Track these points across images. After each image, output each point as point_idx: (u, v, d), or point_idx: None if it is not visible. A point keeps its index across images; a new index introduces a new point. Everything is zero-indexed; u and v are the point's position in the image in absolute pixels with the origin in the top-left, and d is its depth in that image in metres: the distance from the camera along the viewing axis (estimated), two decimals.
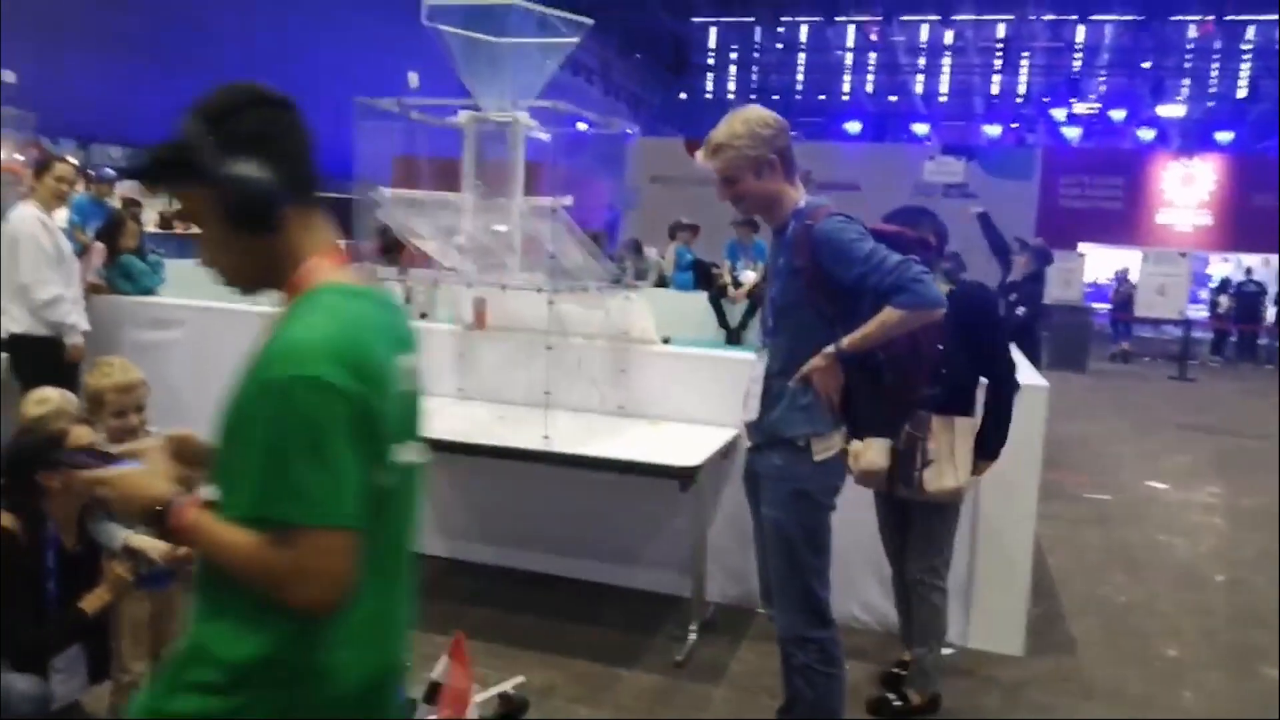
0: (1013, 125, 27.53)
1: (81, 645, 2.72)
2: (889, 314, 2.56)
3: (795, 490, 2.66)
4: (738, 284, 9.95)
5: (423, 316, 5.73)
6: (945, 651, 3.83)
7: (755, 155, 2.66)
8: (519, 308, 4.32)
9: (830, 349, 2.62)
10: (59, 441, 2.56)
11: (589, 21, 4.88)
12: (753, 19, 35.90)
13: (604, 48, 36.62)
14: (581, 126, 4.66)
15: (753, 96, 40.22)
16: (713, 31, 41.48)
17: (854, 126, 31.59)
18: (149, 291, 5.57)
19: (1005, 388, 3.25)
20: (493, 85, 4.39)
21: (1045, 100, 27.23)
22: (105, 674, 2.81)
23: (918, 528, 3.32)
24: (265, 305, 1.55)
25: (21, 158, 12.01)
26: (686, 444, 3.78)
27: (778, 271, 2.75)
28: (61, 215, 5.47)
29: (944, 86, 35.61)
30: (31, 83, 18.04)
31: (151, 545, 2.76)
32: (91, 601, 2.62)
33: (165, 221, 13.04)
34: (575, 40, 4.64)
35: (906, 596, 3.42)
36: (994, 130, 26.92)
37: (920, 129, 30.37)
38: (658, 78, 41.26)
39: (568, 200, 5.69)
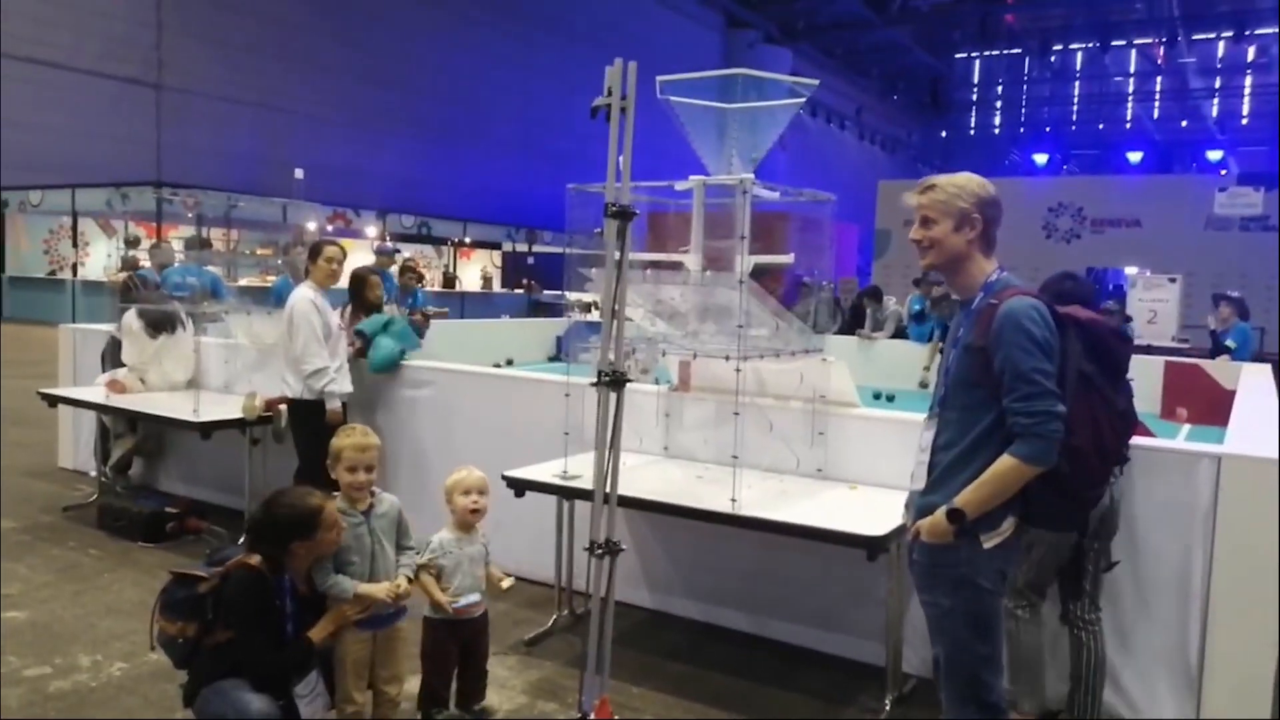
0: None
1: (321, 675, 3.14)
2: (1008, 466, 2.51)
3: (958, 576, 2.59)
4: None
5: (644, 373, 6.01)
6: None
7: (962, 207, 2.65)
8: (720, 371, 4.46)
9: (942, 511, 2.57)
10: (318, 515, 2.99)
11: (814, 83, 5.04)
12: (1019, 50, 34.34)
13: (859, 92, 36.42)
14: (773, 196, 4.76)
15: (1021, 129, 38.35)
16: (976, 66, 39.99)
17: (1136, 156, 29.29)
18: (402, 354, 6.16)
19: None
20: (722, 149, 4.66)
21: None
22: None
23: None
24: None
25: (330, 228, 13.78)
26: (880, 509, 3.73)
27: (955, 342, 2.71)
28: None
29: (1244, 108, 32.34)
30: (333, 160, 20.65)
31: (379, 589, 3.15)
32: (318, 631, 3.03)
33: (447, 280, 14.32)
34: (801, 101, 4.81)
35: None
36: None
37: (1214, 155, 27.65)
38: (915, 118, 40.36)
39: (789, 259, 5.81)
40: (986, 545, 2.58)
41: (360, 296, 6.18)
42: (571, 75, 23.39)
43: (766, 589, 4.53)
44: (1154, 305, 14.48)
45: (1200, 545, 3.58)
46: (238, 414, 5.62)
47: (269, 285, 9.50)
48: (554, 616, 4.62)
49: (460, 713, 3.61)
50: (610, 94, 3.04)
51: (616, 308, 2.64)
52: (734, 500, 3.76)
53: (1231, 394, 6.17)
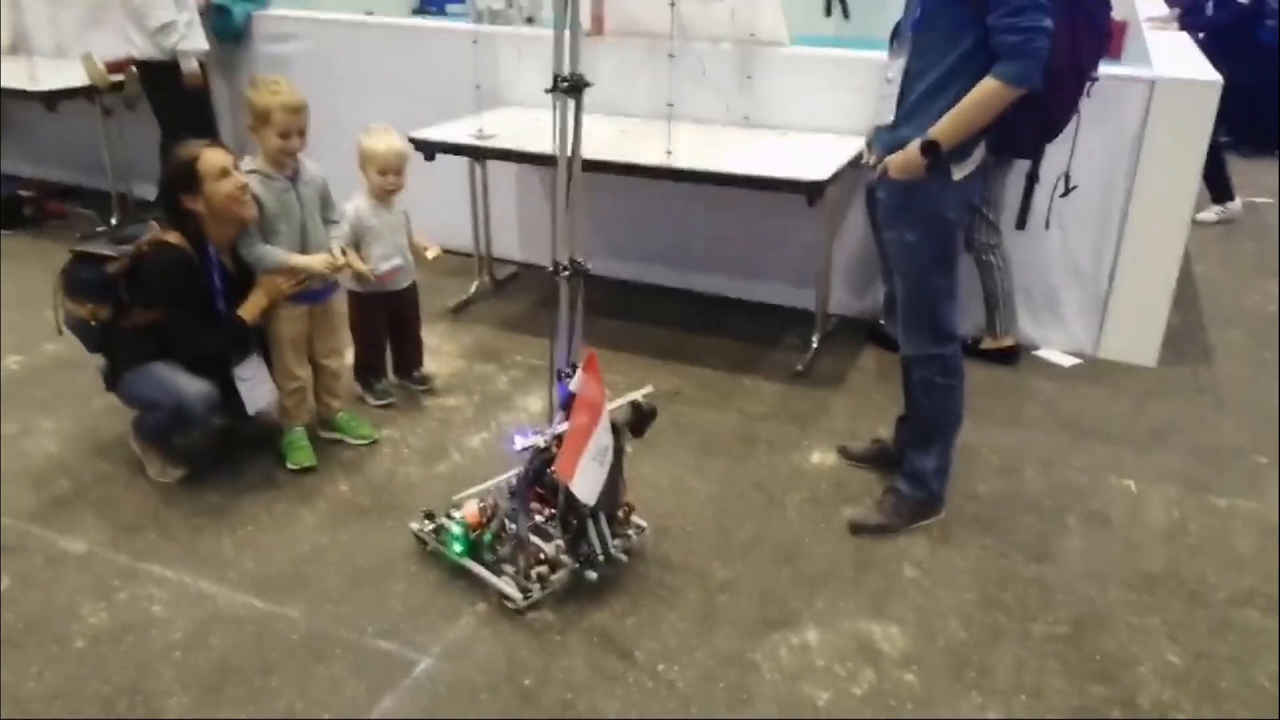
0: None
1: (261, 358, 2.98)
2: (989, 89, 2.34)
3: (926, 210, 2.54)
4: None
5: (529, 21, 5.51)
6: (1073, 361, 3.85)
7: None
8: (640, 10, 4.09)
9: (915, 145, 2.42)
10: (193, 164, 2.66)
11: None
12: None
13: None
14: None
15: None
16: None
17: None
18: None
19: None
20: None
21: None
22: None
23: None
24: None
25: None
26: (815, 155, 3.64)
27: None
28: None
29: None
30: None
31: (315, 261, 2.92)
32: (249, 308, 2.83)
33: None
34: None
35: None
36: None
37: None
38: None
39: None
40: (957, 177, 2.52)
41: None
42: None
43: (693, 243, 4.50)
44: None
45: (1122, 171, 3.67)
46: (83, 81, 4.95)
47: None
48: (474, 284, 4.51)
49: (399, 379, 3.57)
50: None
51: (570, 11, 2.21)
52: (669, 152, 3.60)
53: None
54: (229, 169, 2.71)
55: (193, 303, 2.76)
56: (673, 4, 3.59)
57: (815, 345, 3.89)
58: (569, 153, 2.32)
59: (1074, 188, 2.94)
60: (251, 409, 2.96)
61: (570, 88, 2.25)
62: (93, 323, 2.86)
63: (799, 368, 3.77)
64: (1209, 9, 6.52)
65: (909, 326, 2.71)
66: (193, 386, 2.79)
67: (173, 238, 2.71)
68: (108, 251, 2.79)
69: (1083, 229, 3.78)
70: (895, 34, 2.62)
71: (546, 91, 2.27)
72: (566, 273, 2.41)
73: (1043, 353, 3.94)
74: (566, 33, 2.20)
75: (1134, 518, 2.87)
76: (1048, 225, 3.26)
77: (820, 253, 3.99)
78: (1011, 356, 3.85)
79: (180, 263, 2.70)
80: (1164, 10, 5.79)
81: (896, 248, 2.65)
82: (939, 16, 2.44)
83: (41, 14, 5.73)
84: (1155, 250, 3.72)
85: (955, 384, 2.74)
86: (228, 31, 5.21)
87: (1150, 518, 2.87)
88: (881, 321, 3.77)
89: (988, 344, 3.85)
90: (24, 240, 5.14)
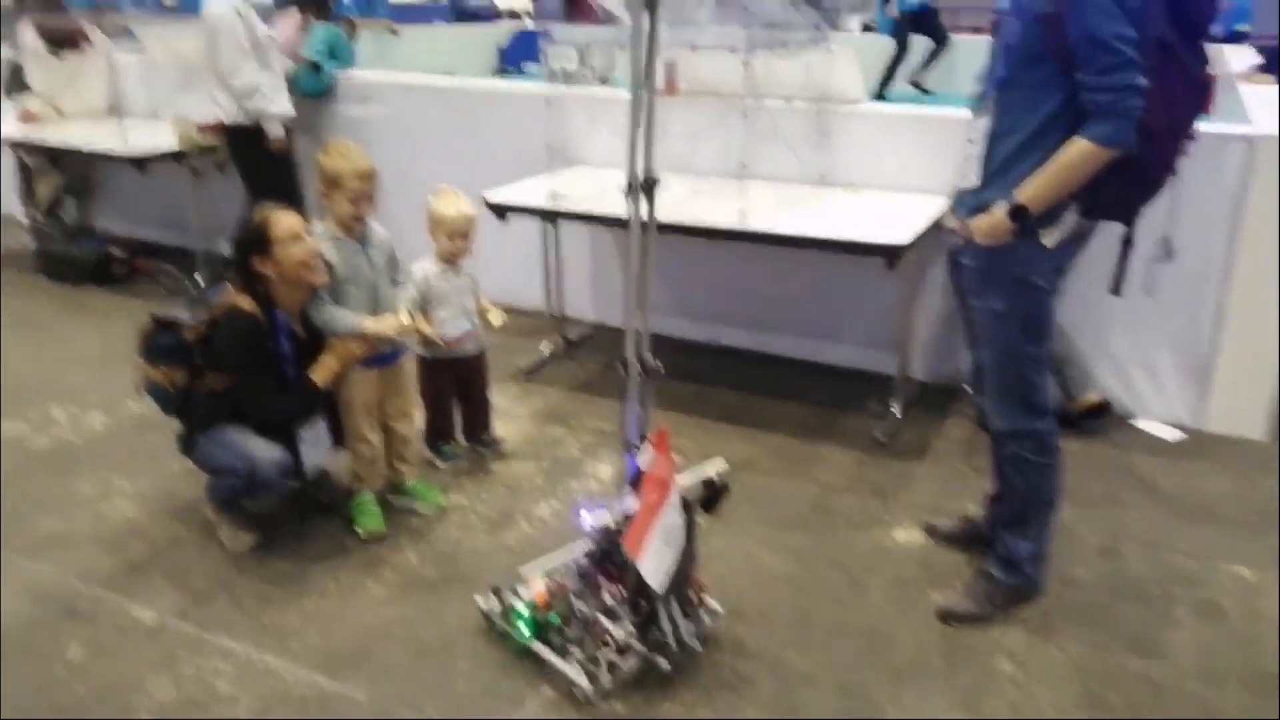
0: None
1: (325, 419, 2.98)
2: (1080, 150, 2.22)
3: (1015, 276, 2.41)
4: (909, 9, 9.05)
5: (603, 82, 5.54)
6: (1175, 433, 3.64)
7: None
8: (711, 69, 4.06)
9: (1002, 208, 2.31)
10: (264, 228, 2.67)
11: None
12: None
13: None
14: None
15: None
16: None
17: None
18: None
19: None
20: None
21: None
22: (343, 443, 3.06)
23: None
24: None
25: None
26: (894, 216, 3.53)
27: (1018, 9, 2.36)
28: None
29: None
30: None
31: (388, 324, 2.91)
32: (321, 372, 2.82)
33: None
34: None
35: None
36: None
37: None
38: None
39: None
40: (1047, 242, 2.39)
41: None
42: None
43: (766, 304, 4.40)
44: None
45: (1223, 231, 3.48)
46: (173, 143, 5.10)
47: None
48: (546, 345, 4.48)
49: (468, 443, 3.52)
50: None
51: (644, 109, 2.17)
52: (743, 212, 3.52)
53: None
54: (300, 234, 2.72)
55: (263, 368, 2.76)
56: (746, 64, 3.53)
57: (897, 413, 3.75)
58: (639, 255, 2.27)
59: (1174, 252, 2.78)
60: (309, 467, 2.94)
61: (644, 188, 2.21)
62: (169, 387, 2.88)
63: (879, 436, 3.63)
64: None
65: (999, 400, 2.57)
66: (265, 452, 2.78)
67: (243, 302, 2.72)
68: (183, 317, 2.81)
69: (1180, 292, 3.58)
70: (982, 91, 2.52)
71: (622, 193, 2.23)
72: (638, 373, 2.34)
73: (1141, 423, 3.73)
74: (640, 135, 2.15)
75: (1250, 609, 2.65)
76: (1150, 292, 3.06)
77: (900, 315, 3.86)
78: (1102, 413, 3.65)
79: (250, 328, 2.71)
80: (1252, 59, 5.58)
81: (984, 316, 2.52)
82: (1025, 74, 2.33)
83: (137, 78, 5.96)
84: (1260, 315, 3.51)
85: (1050, 462, 2.58)
86: (317, 90, 5.33)
87: (1268, 609, 2.64)
88: (969, 390, 3.61)
89: (1073, 408, 3.65)
90: (114, 298, 5.29)
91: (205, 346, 2.80)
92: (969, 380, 2.86)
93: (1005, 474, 2.64)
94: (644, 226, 2.26)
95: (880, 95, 8.88)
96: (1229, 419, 3.65)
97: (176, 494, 3.24)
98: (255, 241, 2.71)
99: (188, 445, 2.95)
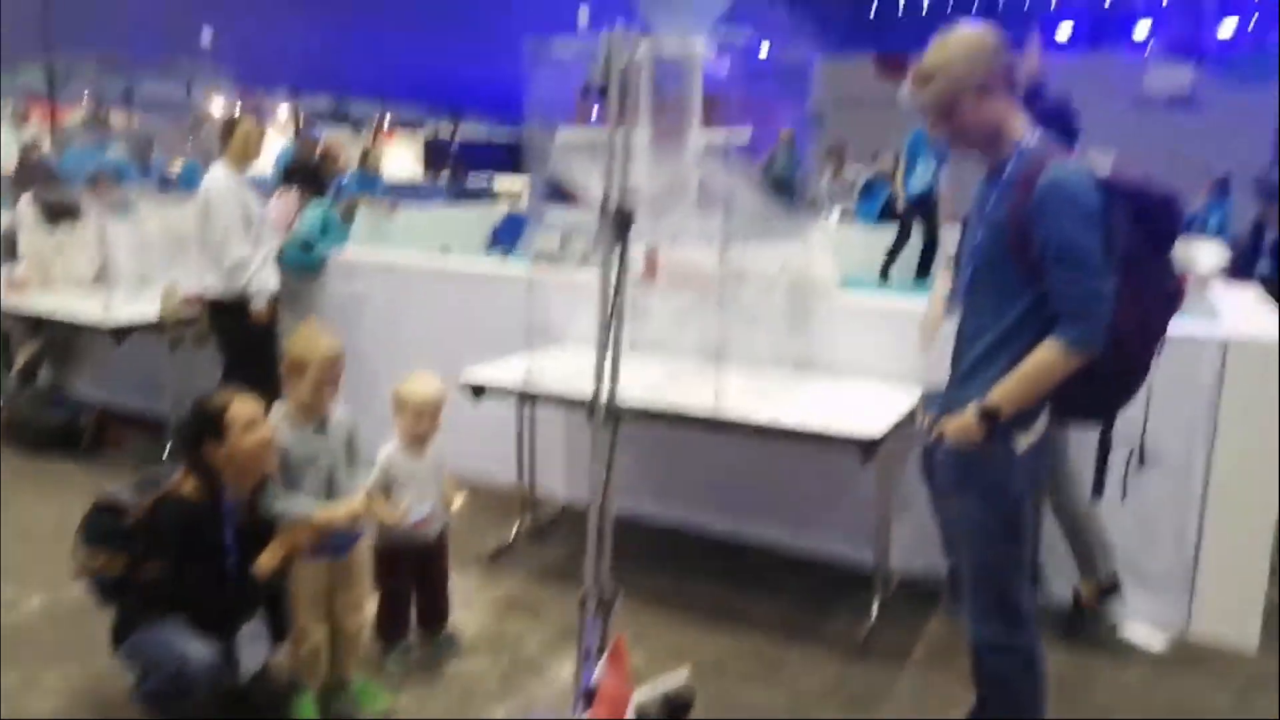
0: (1249, 26, 24.22)
1: (267, 611, 2.81)
2: (1050, 354, 2.23)
3: (988, 481, 2.34)
4: (913, 201, 9.32)
5: (584, 260, 5.62)
6: (1162, 642, 3.49)
7: (973, 80, 2.30)
8: (691, 256, 4.12)
9: (973, 410, 2.29)
10: (222, 414, 2.60)
11: None
12: None
13: None
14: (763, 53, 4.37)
15: (950, 7, 37.68)
16: None
17: (1065, 30, 28.77)
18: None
19: None
20: (671, 13, 4.17)
21: None
22: (283, 639, 2.88)
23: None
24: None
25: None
26: (870, 406, 3.49)
27: (984, 217, 2.38)
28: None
29: None
30: (244, 34, 19.13)
31: (341, 511, 2.79)
32: (263, 563, 2.67)
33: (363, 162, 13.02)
34: None
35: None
36: (1228, 27, 23.80)
37: (1141, 29, 27.29)
38: None
39: (746, 133, 5.39)
40: (1021, 446, 2.33)
41: (318, 176, 5.66)
42: None
43: (743, 490, 4.31)
44: None
45: (1201, 433, 3.44)
46: (155, 313, 5.11)
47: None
48: (516, 526, 4.34)
49: (422, 635, 3.33)
50: (607, 69, 2.33)
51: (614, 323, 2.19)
52: (716, 398, 3.48)
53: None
54: (257, 422, 2.64)
55: (202, 558, 2.62)
56: (722, 255, 3.58)
57: (874, 613, 3.58)
58: (601, 489, 2.22)
59: (1148, 460, 2.72)
60: (245, 668, 2.74)
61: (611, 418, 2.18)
62: (106, 574, 2.73)
63: (858, 638, 3.45)
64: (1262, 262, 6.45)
65: (978, 610, 2.44)
66: (197, 651, 2.59)
67: (188, 486, 2.61)
68: (127, 500, 2.70)
69: (1162, 495, 3.49)
70: (952, 289, 2.52)
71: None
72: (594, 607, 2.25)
73: (1129, 633, 3.55)
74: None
75: None
76: (1124, 495, 2.97)
77: (878, 505, 3.75)
78: (1113, 591, 3.50)
79: (191, 515, 2.59)
80: (1222, 256, 5.71)
81: (959, 520, 2.44)
82: (992, 276, 2.34)
83: (127, 248, 6.04)
84: (1244, 519, 3.42)
85: (1033, 677, 2.43)
86: (306, 266, 5.38)
87: None
88: (947, 596, 3.46)
89: (1090, 594, 3.50)
90: (77, 467, 5.16)
91: (145, 531, 2.67)
92: (947, 587, 2.74)
93: (986, 691, 2.49)
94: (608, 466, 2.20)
95: (883, 279, 9.07)
96: (1217, 629, 3.49)
97: (104, 691, 3.01)
98: (209, 426, 2.63)
99: (119, 638, 2.77)
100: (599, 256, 4.80)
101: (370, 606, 3.17)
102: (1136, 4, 29.54)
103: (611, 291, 2.16)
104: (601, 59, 2.40)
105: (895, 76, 18.10)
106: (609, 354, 2.13)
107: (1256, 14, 23.54)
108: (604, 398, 2.15)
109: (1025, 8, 34.40)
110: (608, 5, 4.25)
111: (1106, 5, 30.12)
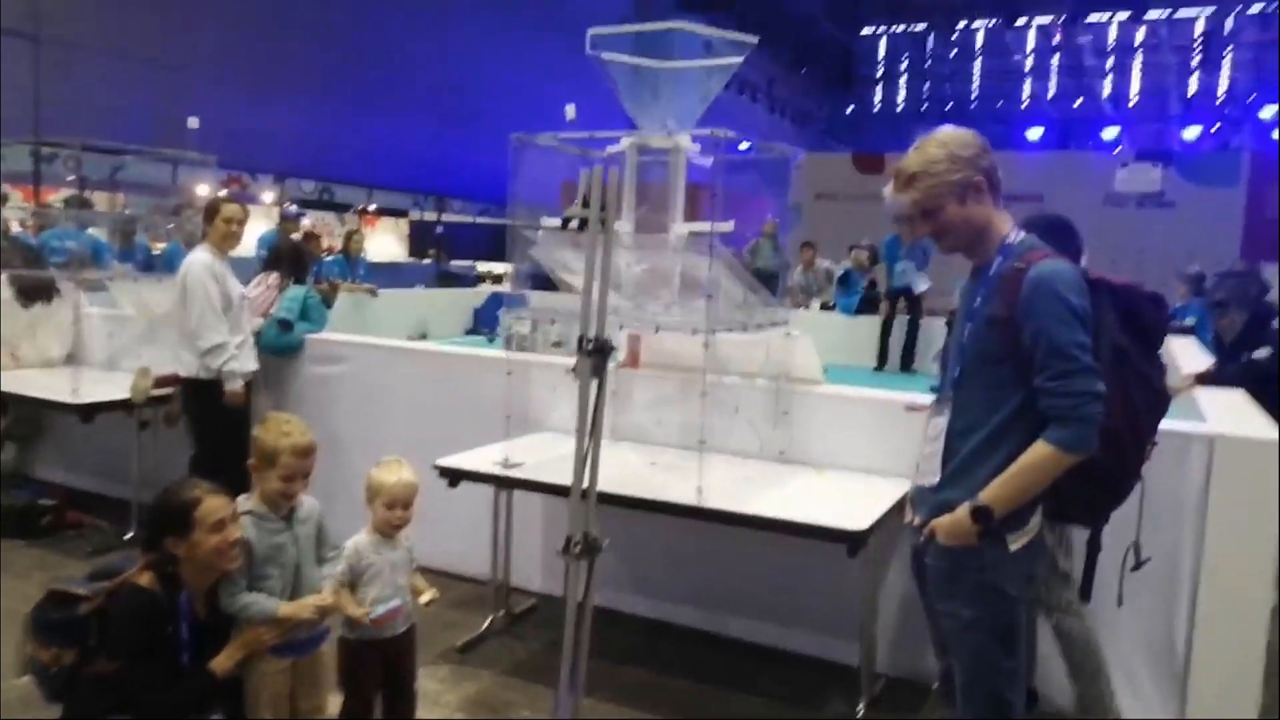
0: (1213, 130, 25.22)
1: (223, 713, 2.66)
2: (1042, 455, 2.19)
3: (981, 583, 2.27)
4: (896, 293, 9.42)
5: (556, 346, 5.57)
6: None
7: (958, 180, 2.30)
8: (674, 346, 4.09)
9: (965, 510, 2.25)
10: (190, 510, 2.49)
11: (753, 40, 4.62)
12: (925, 26, 34.76)
13: (769, 63, 36.19)
14: (744, 146, 4.43)
15: (924, 108, 38.88)
16: (883, 42, 40.48)
17: (1035, 133, 29.79)
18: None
19: None
20: (654, 111, 4.21)
21: (1251, 99, 24.96)
22: None
23: None
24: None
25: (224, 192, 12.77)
26: (855, 499, 3.42)
27: (971, 314, 2.36)
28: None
29: (1135, 88, 33.44)
30: (229, 120, 19.32)
31: (304, 606, 2.67)
32: (222, 661, 2.55)
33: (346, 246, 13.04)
34: (738, 61, 4.38)
35: None
36: (1193, 133, 24.73)
37: (1109, 133, 28.35)
38: (825, 91, 40.50)
39: (728, 226, 5.43)
40: (1013, 547, 2.27)
41: (300, 259, 5.64)
42: (485, 31, 22.58)
43: (724, 583, 4.19)
44: None
45: (1190, 532, 3.38)
46: (124, 394, 5.00)
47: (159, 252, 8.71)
48: (489, 618, 4.19)
49: None
50: (586, 204, 2.56)
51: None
52: (700, 490, 3.40)
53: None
54: (225, 521, 2.54)
55: (156, 654, 2.48)
56: (706, 345, 3.54)
57: (860, 712, 3.45)
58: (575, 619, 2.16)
59: (1147, 560, 2.66)
60: None
61: (595, 350, 2.16)
62: (54, 669, 2.58)
63: None
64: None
65: (969, 712, 2.34)
66: None
67: (144, 579, 2.49)
68: (80, 591, 2.57)
69: (1150, 596, 3.39)
70: (941, 386, 2.49)
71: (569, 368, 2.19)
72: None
73: None
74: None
75: None
76: (1121, 601, 2.88)
77: (863, 602, 3.65)
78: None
79: (146, 609, 2.46)
80: (1204, 359, 5.73)
81: (951, 624, 2.35)
82: (981, 374, 2.31)
83: (101, 329, 5.96)
84: (1236, 622, 3.32)
85: None
86: (284, 347, 5.31)
87: None
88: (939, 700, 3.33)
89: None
90: (34, 553, 4.96)
91: (99, 622, 2.53)
92: (938, 689, 2.63)
93: None
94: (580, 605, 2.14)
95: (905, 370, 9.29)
96: None
97: None
98: (176, 521, 2.52)
99: None
100: (571, 342, 4.82)
101: (333, 707, 3.01)
102: (1105, 109, 30.70)
103: (590, 413, 2.14)
104: (580, 197, 2.50)
105: (872, 172, 18.57)
106: (585, 479, 2.09)
107: (1219, 123, 24.49)
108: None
109: (996, 108, 35.60)
110: (593, 104, 4.35)
111: (1075, 106, 31.20)
